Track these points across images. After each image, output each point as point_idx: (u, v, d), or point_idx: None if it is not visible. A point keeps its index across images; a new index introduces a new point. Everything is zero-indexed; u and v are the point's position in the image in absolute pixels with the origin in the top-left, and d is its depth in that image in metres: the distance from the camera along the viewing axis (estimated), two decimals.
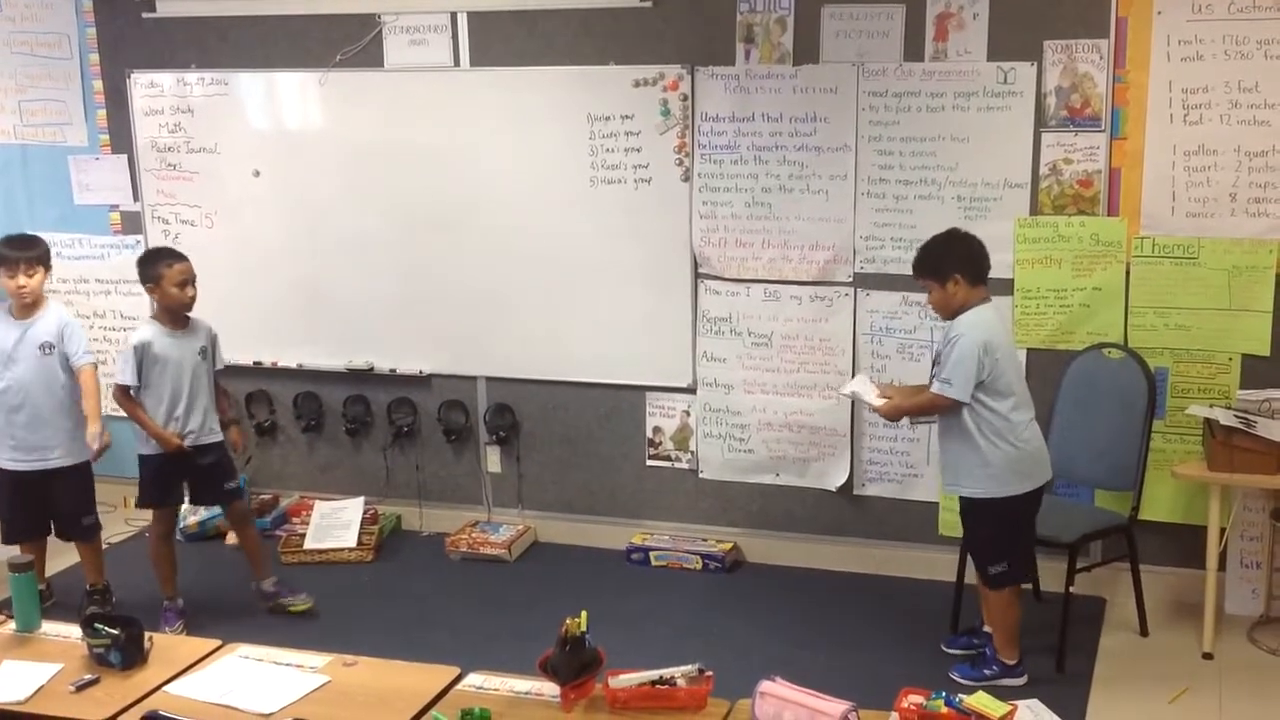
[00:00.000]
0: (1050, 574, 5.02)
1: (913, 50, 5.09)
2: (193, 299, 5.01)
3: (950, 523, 5.24)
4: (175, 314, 5.02)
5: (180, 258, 5.01)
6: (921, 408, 4.50)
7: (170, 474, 5.05)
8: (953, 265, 4.32)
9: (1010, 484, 4.34)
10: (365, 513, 5.96)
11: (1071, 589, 4.64)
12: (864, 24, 5.12)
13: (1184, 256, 4.92)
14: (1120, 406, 4.85)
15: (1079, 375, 4.99)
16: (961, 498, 4.47)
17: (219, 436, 5.15)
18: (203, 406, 5.07)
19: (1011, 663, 4.49)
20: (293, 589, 5.28)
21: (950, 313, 4.36)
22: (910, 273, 4.95)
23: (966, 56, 5.03)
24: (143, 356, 4.94)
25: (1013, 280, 5.10)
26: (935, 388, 4.34)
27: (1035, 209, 5.07)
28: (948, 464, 4.47)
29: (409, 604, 5.38)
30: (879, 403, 4.56)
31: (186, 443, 5.00)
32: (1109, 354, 4.97)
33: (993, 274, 5.09)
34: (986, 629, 4.64)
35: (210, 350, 5.12)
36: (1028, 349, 5.13)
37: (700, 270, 5.55)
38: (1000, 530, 4.43)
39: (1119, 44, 4.88)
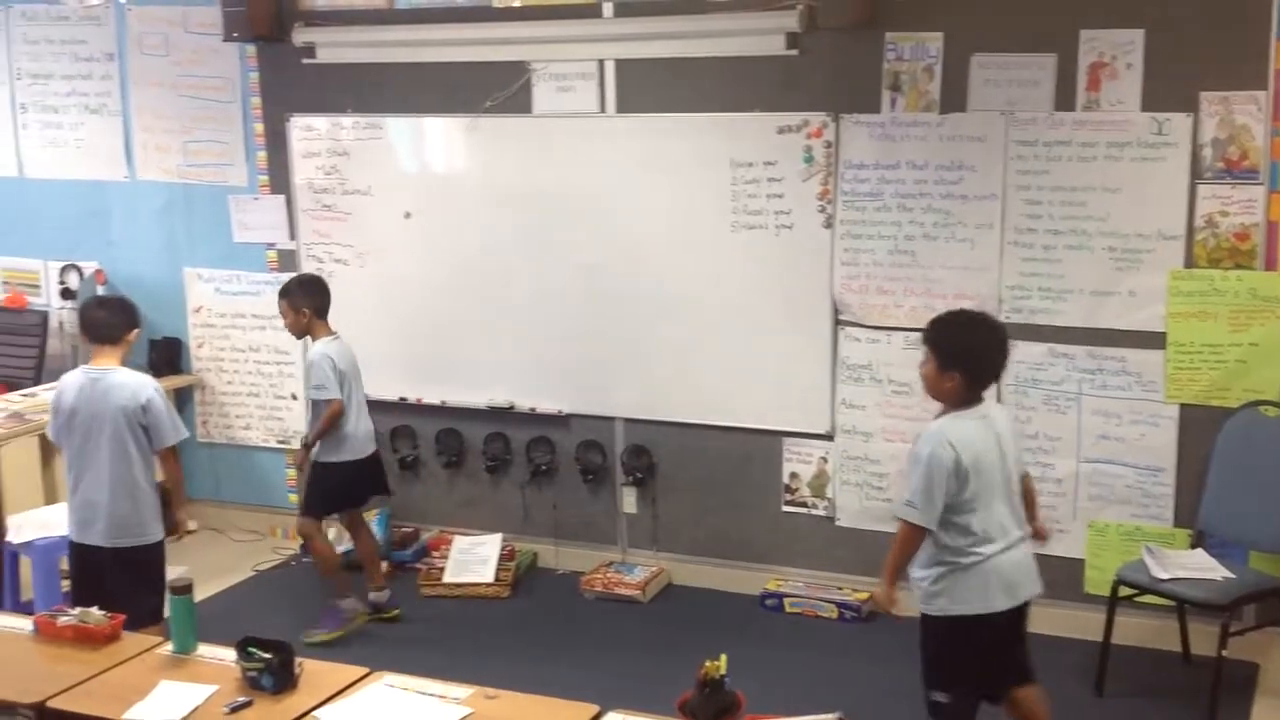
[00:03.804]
0: (1202, 637, 4.87)
1: (1064, 99, 5.03)
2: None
3: (1096, 580, 5.13)
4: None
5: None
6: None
7: (354, 481, 5.51)
8: (957, 361, 3.79)
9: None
10: (503, 549, 6.03)
11: (1224, 653, 4.49)
12: (1014, 73, 5.08)
13: None
14: (1278, 466, 4.69)
15: (1235, 433, 4.85)
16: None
17: None
18: (367, 410, 5.60)
19: None
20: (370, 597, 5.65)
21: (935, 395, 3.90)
22: (1057, 324, 4.86)
23: (1120, 106, 4.95)
24: (333, 367, 5.36)
25: (1165, 334, 4.97)
26: None
27: (1190, 261, 4.94)
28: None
29: (544, 640, 5.44)
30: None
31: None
32: (1266, 412, 4.82)
33: (1145, 327, 4.99)
34: None
35: None
36: (1180, 404, 5.01)
37: (840, 316, 5.53)
38: None
39: (1278, 96, 4.76)
